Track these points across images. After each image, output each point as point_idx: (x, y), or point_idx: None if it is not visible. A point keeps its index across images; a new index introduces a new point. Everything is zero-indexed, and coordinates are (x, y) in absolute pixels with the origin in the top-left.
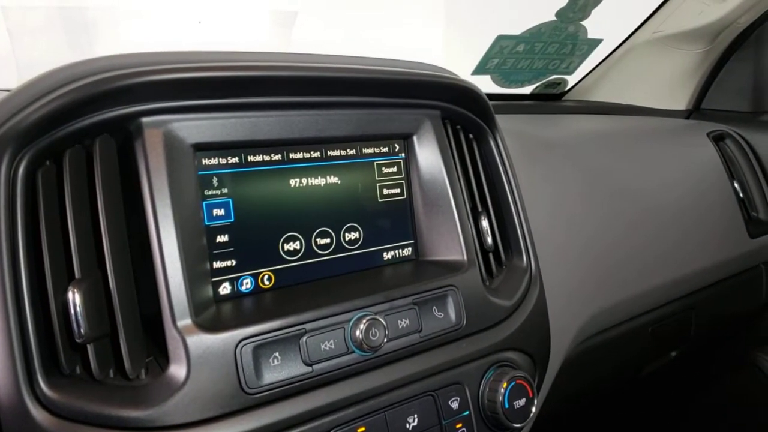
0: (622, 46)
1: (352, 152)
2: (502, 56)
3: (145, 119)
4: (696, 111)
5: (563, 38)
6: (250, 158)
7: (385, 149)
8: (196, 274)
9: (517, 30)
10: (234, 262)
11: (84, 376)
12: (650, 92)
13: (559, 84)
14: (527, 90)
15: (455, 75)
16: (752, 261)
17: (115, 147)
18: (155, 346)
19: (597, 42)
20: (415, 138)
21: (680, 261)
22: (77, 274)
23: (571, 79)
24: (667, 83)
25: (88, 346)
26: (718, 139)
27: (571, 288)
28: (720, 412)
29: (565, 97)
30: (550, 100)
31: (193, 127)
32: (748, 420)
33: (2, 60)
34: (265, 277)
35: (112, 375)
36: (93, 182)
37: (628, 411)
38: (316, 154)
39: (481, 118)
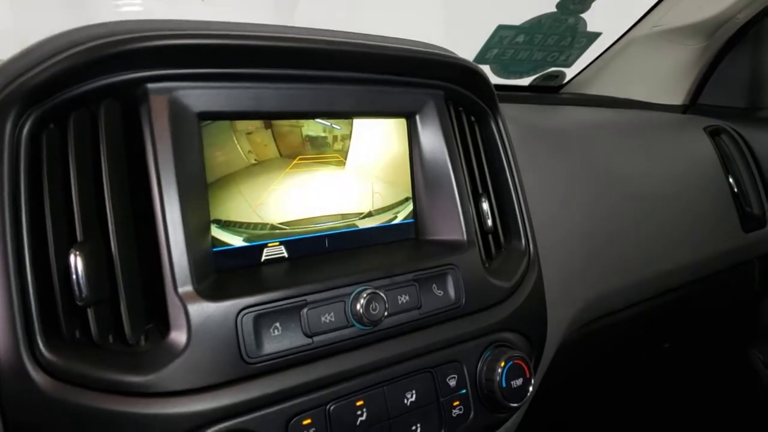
0: (621, 40)
1: None
2: (502, 46)
3: (150, 85)
4: (692, 106)
5: (563, 30)
6: None
7: None
8: (197, 244)
9: (517, 20)
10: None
11: (83, 340)
12: (648, 86)
13: (557, 77)
14: (525, 82)
15: (461, 56)
16: (745, 255)
17: (120, 112)
18: (156, 315)
19: (596, 35)
20: (418, 117)
21: (674, 252)
22: (79, 237)
23: (569, 72)
24: (664, 78)
25: (88, 310)
26: (714, 133)
27: (567, 274)
28: (710, 403)
29: (562, 90)
30: (547, 92)
31: (199, 96)
32: (737, 412)
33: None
34: (266, 247)
35: (111, 340)
36: (97, 147)
37: (620, 399)
38: None
39: (484, 101)
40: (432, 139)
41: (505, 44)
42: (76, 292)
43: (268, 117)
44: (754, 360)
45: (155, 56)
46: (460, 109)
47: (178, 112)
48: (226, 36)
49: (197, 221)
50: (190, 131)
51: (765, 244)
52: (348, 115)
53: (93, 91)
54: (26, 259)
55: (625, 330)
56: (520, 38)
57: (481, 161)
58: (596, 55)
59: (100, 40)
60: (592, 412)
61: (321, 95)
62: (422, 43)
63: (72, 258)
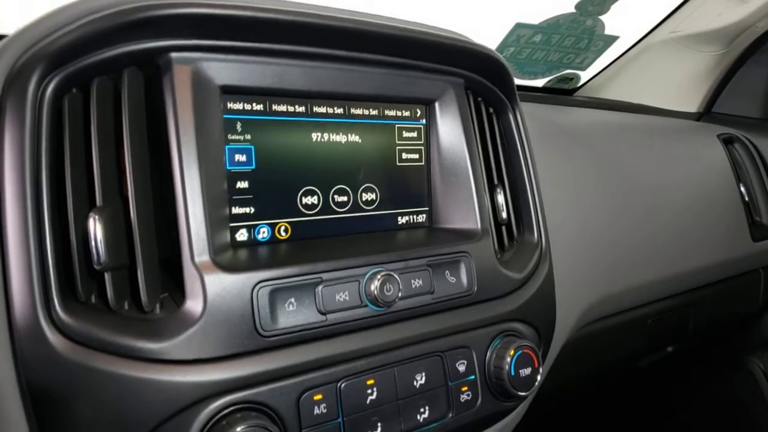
0: (638, 45)
1: (374, 113)
2: (519, 45)
3: (174, 54)
4: (706, 114)
5: (580, 32)
6: (275, 107)
7: (407, 113)
8: (215, 216)
9: (535, 19)
10: (252, 210)
11: (99, 305)
12: (662, 93)
13: (572, 79)
14: (540, 83)
15: (484, 45)
16: (753, 264)
17: (142, 80)
18: (172, 286)
19: (613, 39)
20: (437, 104)
21: (683, 257)
22: (99, 202)
23: (584, 75)
24: (679, 84)
25: (106, 275)
26: (727, 141)
27: (577, 271)
28: (709, 411)
29: (576, 94)
30: (561, 94)
31: (222, 68)
32: (736, 421)
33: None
34: (282, 228)
35: (126, 307)
36: (119, 114)
37: (620, 402)
38: (339, 111)
39: (503, 92)
40: (450, 127)
41: (522, 43)
42: (94, 257)
43: (289, 95)
44: (755, 368)
45: (180, 24)
46: (479, 99)
47: (200, 84)
48: (253, 8)
49: (216, 192)
50: (212, 104)
51: None
52: (368, 98)
53: (117, 58)
54: (45, 220)
55: (630, 331)
56: (537, 38)
57: (498, 152)
58: (612, 60)
59: (127, 5)
60: (591, 413)
61: (343, 77)
62: (445, 29)
63: (91, 222)
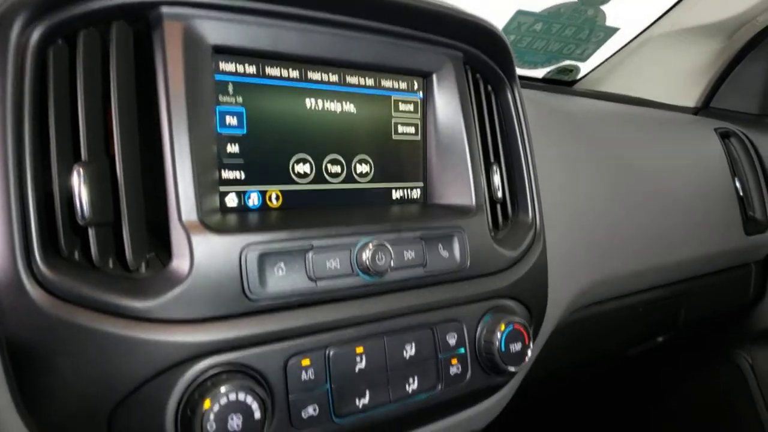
0: (639, 37)
1: (370, 82)
2: (519, 33)
3: (165, 9)
4: (704, 109)
5: (581, 22)
6: (268, 70)
7: (404, 85)
8: (204, 179)
9: (536, 7)
10: (243, 175)
11: (83, 261)
12: (662, 87)
13: (572, 71)
14: (539, 73)
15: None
16: (745, 258)
17: (132, 35)
18: (158, 246)
19: (614, 30)
20: (435, 77)
21: (676, 246)
22: (84, 156)
23: (584, 67)
24: (679, 78)
25: (89, 230)
26: (724, 136)
27: (570, 253)
28: (695, 402)
29: (576, 86)
30: (561, 86)
31: (215, 27)
32: (721, 412)
33: None
34: (273, 195)
35: (111, 265)
36: (106, 68)
37: (609, 389)
38: (335, 78)
39: (502, 69)
40: (447, 101)
41: (523, 31)
42: (78, 212)
43: (283, 59)
44: (742, 362)
45: None
46: (478, 75)
47: (192, 42)
48: None
49: (206, 154)
50: (204, 64)
51: (765, 249)
52: (364, 67)
53: (105, 10)
54: (27, 172)
55: (620, 319)
56: (538, 26)
57: (495, 130)
58: (612, 53)
59: None
60: (580, 399)
61: (340, 43)
62: (446, 2)
63: (75, 176)
